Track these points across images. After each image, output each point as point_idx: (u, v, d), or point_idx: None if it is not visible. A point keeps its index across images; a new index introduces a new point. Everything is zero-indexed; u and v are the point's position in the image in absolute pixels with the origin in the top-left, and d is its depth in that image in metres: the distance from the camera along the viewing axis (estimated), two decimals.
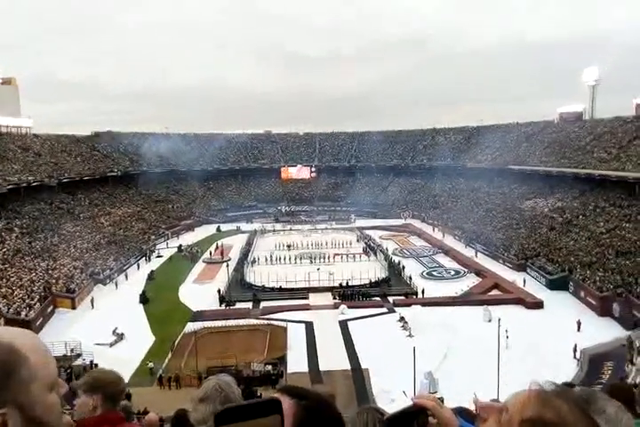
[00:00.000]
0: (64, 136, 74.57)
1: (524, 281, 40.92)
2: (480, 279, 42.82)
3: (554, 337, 28.37)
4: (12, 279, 37.19)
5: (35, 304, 34.65)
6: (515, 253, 47.48)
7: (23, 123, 69.66)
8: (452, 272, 46.05)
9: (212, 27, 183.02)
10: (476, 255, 51.25)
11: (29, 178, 55.34)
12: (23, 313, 32.74)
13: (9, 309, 32.63)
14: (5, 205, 49.89)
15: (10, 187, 50.55)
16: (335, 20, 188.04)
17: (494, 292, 40.01)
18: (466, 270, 45.85)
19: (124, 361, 27.32)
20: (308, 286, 41.50)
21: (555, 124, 73.22)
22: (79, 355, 28.85)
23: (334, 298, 39.28)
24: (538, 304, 35.81)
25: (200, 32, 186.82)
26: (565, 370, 23.72)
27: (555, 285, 39.44)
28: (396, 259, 50.28)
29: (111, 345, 30.87)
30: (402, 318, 33.01)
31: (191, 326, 33.06)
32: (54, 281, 39.56)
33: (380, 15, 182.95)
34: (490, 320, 30.89)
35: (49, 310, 36.25)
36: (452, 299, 37.59)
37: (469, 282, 42.22)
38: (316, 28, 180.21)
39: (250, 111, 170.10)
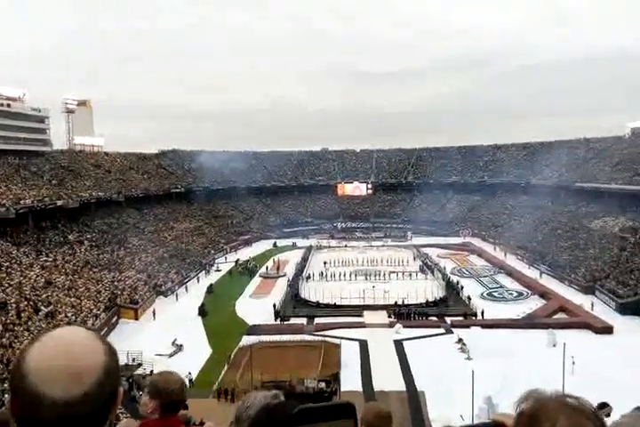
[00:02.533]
0: (132, 154, 78.57)
1: (592, 304, 38.65)
2: (544, 302, 40.88)
3: (624, 364, 26.49)
4: (80, 290, 39.19)
5: (100, 314, 36.27)
6: (582, 275, 45.10)
7: (96, 142, 74.18)
8: (515, 294, 44.22)
9: (274, 46, 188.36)
10: (541, 276, 49.06)
11: (99, 194, 58.52)
12: (90, 322, 34.29)
13: (76, 318, 34.31)
14: (77, 219, 52.93)
15: (82, 202, 53.61)
16: (395, 37, 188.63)
17: (559, 315, 38.06)
18: (529, 292, 43.92)
19: (181, 372, 28.04)
20: (362, 303, 41.07)
21: (625, 140, 69.69)
22: (140, 364, 29.81)
23: (389, 316, 38.62)
24: (607, 329, 33.68)
25: (262, 52, 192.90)
26: (636, 399, 22.01)
27: (626, 309, 37.07)
28: (454, 278, 48.99)
29: (170, 356, 31.66)
30: (460, 340, 31.94)
31: (247, 340, 33.42)
32: (119, 292, 41.31)
33: (439, 31, 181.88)
34: (554, 345, 29.33)
35: (113, 320, 37.80)
36: (514, 321, 36.06)
37: (533, 304, 40.37)
38: (377, 46, 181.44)
39: (308, 129, 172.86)
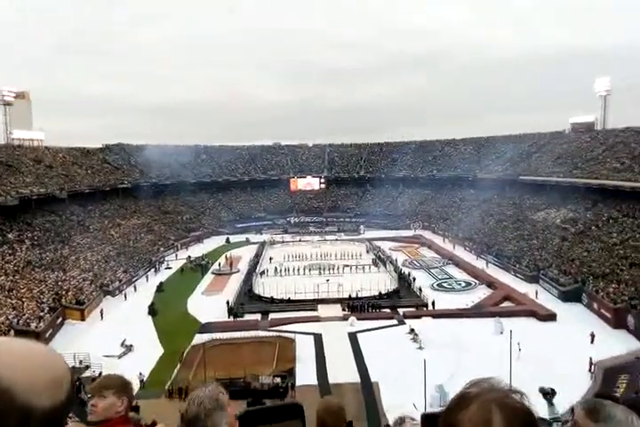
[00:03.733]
0: (75, 149, 75.42)
1: (537, 293, 40.34)
2: (491, 291, 42.32)
3: (567, 350, 27.85)
4: (22, 291, 37.40)
5: (44, 316, 34.75)
6: (526, 265, 46.96)
7: (35, 136, 70.69)
8: (463, 284, 45.57)
9: (224, 41, 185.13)
10: (487, 267, 50.73)
11: (41, 190, 55.91)
12: (33, 325, 32.81)
13: (19, 320, 32.75)
14: (17, 217, 50.39)
15: (21, 199, 51.00)
16: (349, 35, 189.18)
17: (506, 304, 39.49)
18: (477, 282, 45.37)
19: (132, 373, 27.32)
20: (317, 297, 41.22)
21: (566, 135, 72.89)
22: (88, 366, 28.77)
23: (343, 310, 38.97)
24: (550, 316, 35.23)
25: (213, 47, 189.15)
26: (579, 383, 23.19)
27: (568, 296, 38.87)
28: (405, 270, 49.92)
29: (120, 357, 30.77)
30: (412, 331, 32.60)
31: (200, 338, 32.88)
32: (64, 293, 39.69)
33: (391, 31, 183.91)
34: (501, 332, 30.38)
35: (58, 321, 36.32)
36: (463, 311, 37.14)
37: (480, 294, 41.71)
38: (330, 43, 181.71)
39: (260, 124, 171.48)
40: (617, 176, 51.40)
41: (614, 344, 28.07)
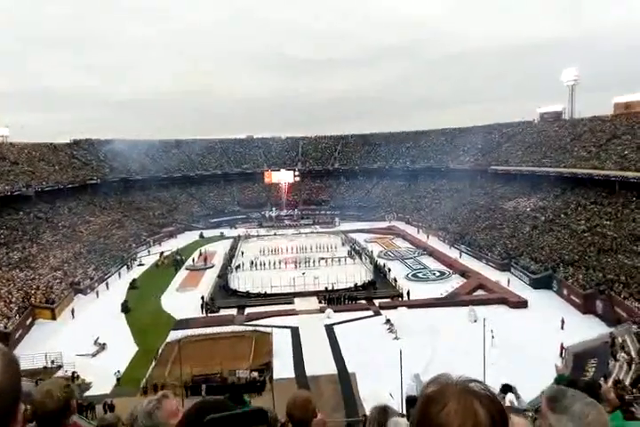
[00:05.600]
0: (42, 144, 73.28)
1: (509, 281, 41.11)
2: (465, 280, 42.94)
3: (539, 335, 28.47)
4: None
5: (14, 316, 33.83)
6: (498, 253, 47.76)
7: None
8: (437, 273, 46.09)
9: (196, 32, 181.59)
10: (461, 256, 51.41)
11: (6, 187, 54.24)
12: (1, 325, 31.93)
13: None
14: None
15: None
16: (323, 25, 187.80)
17: (479, 292, 40.10)
18: (450, 271, 45.95)
19: (107, 371, 26.86)
20: (293, 290, 41.14)
21: (535, 125, 74.17)
22: (60, 366, 28.19)
23: (320, 302, 39.01)
24: (522, 303, 35.96)
25: (184, 38, 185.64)
26: (551, 368, 23.72)
27: (538, 284, 39.70)
28: (381, 261, 50.21)
29: (93, 355, 30.22)
30: (388, 321, 32.85)
31: (175, 335, 32.49)
32: (33, 292, 38.69)
33: (369, 19, 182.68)
34: (475, 320, 30.90)
35: (28, 321, 35.43)
36: (438, 300, 37.58)
37: (454, 283, 42.26)
38: (305, 33, 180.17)
39: (232, 117, 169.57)
40: (584, 164, 52.60)
41: (584, 329, 28.78)
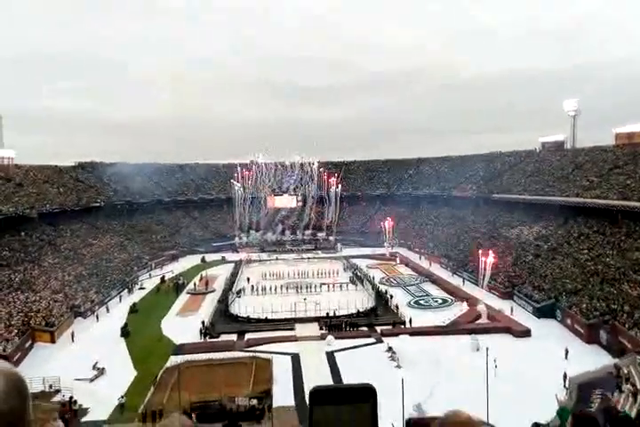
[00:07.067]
0: (47, 167, 74.00)
1: (512, 309, 40.79)
2: (467, 308, 42.60)
3: (542, 365, 28.13)
4: None
5: (13, 338, 33.61)
6: (501, 282, 47.51)
7: (6, 154, 69.29)
8: (440, 301, 45.78)
9: (195, 59, 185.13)
10: (464, 283, 51.16)
11: (10, 209, 54.58)
12: (0, 348, 31.67)
13: None
14: None
15: None
16: (326, 52, 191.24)
17: (481, 320, 39.75)
18: (453, 299, 45.65)
19: (106, 397, 26.51)
20: (294, 316, 40.86)
21: (537, 154, 74.77)
22: (58, 391, 27.85)
23: (321, 328, 38.67)
24: (525, 332, 35.61)
25: (191, 64, 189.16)
26: (551, 397, 23.33)
27: (542, 312, 39.40)
28: (383, 288, 49.95)
29: (91, 380, 29.87)
30: (389, 349, 32.51)
31: (174, 360, 32.15)
32: (33, 314, 38.51)
33: (370, 48, 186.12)
34: (478, 349, 30.55)
35: (27, 344, 35.18)
36: (440, 328, 37.24)
37: (456, 310, 41.94)
38: (308, 60, 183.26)
39: (235, 142, 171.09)
40: (587, 194, 52.81)
41: (588, 359, 28.42)
